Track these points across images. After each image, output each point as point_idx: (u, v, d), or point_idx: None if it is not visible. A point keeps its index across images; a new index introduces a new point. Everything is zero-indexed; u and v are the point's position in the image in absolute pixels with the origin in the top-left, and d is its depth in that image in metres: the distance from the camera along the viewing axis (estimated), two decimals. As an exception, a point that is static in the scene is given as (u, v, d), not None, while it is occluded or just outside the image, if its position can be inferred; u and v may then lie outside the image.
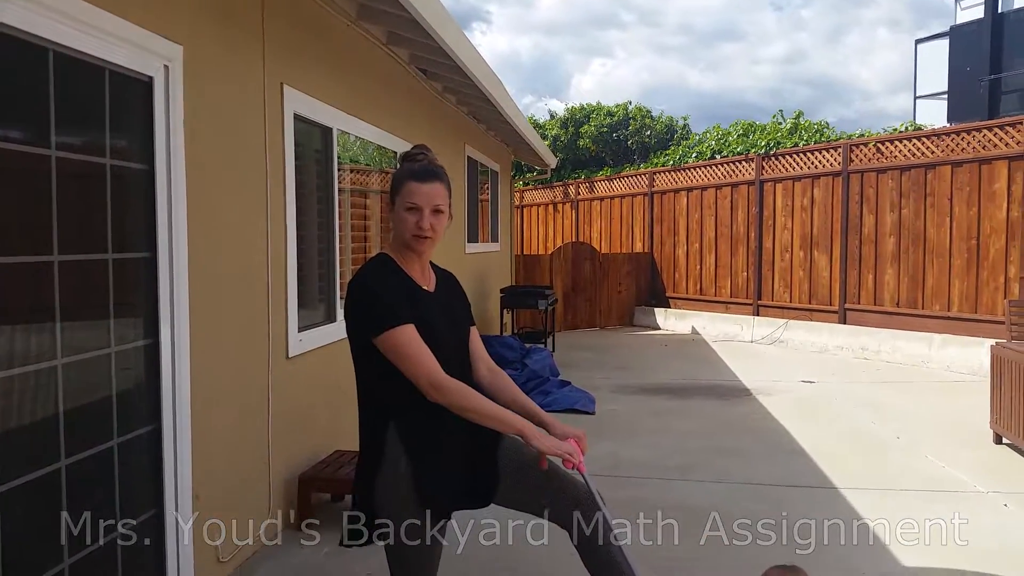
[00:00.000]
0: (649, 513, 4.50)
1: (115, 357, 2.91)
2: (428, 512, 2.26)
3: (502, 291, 11.08)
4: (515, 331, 11.77)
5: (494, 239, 11.60)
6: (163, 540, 3.21)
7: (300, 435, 4.50)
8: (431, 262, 2.50)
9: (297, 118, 4.49)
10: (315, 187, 4.90)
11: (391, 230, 2.42)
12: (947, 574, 3.67)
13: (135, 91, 3.03)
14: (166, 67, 3.15)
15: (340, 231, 5.21)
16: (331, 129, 5.03)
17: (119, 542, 2.93)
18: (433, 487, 2.26)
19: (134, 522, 3.03)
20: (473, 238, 9.96)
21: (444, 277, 2.54)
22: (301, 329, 4.53)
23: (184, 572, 3.29)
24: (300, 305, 4.53)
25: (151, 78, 3.09)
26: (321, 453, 4.74)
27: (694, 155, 14.12)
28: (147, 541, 3.13)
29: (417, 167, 2.33)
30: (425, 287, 2.39)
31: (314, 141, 4.88)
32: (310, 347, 4.62)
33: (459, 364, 2.41)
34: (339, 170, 5.19)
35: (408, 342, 2.19)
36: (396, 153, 6.24)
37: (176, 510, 3.25)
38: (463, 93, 7.93)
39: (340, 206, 5.22)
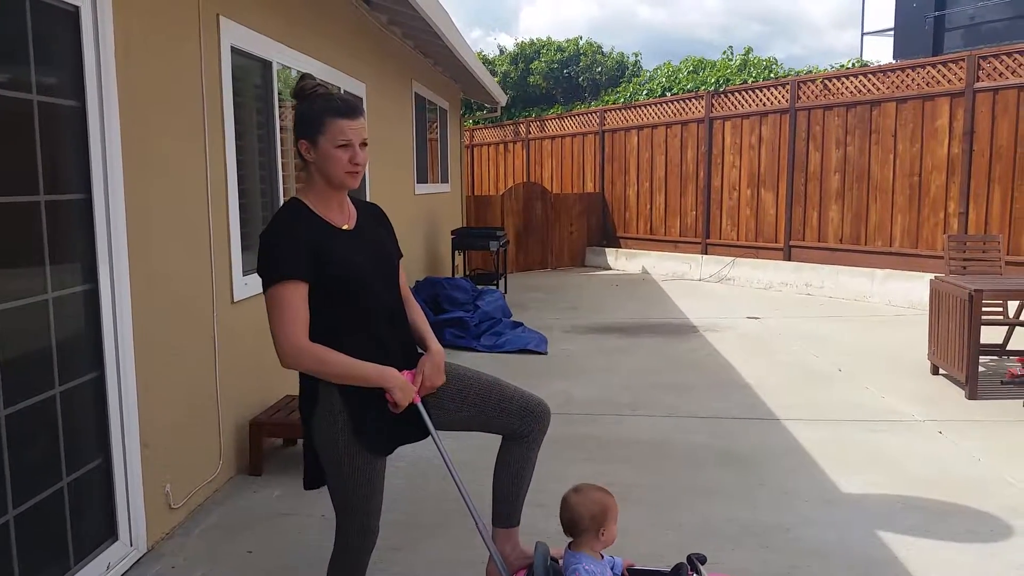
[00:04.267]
0: (601, 448, 4.58)
1: (53, 303, 2.80)
2: (364, 448, 2.26)
3: (453, 232, 11.00)
4: (467, 273, 11.74)
5: (444, 180, 11.45)
6: (112, 489, 3.16)
7: (249, 380, 4.44)
8: (349, 196, 2.44)
9: (235, 51, 4.31)
10: (256, 124, 4.73)
11: (305, 172, 2.33)
12: (885, 499, 3.83)
13: (61, 22, 2.86)
14: (92, -4, 2.97)
15: (283, 171, 5.07)
16: (271, 63, 4.84)
17: (66, 492, 2.87)
18: (369, 424, 2.26)
19: (81, 472, 2.96)
20: (423, 179, 9.82)
21: (367, 210, 2.48)
22: (246, 273, 4.42)
23: (135, 520, 3.25)
24: (244, 248, 4.41)
25: (77, 8, 2.91)
26: (271, 398, 4.69)
27: (645, 93, 14.05)
28: (95, 490, 3.07)
29: (340, 103, 2.26)
30: (345, 226, 2.33)
31: (253, 76, 4.70)
32: (256, 291, 4.51)
33: (389, 298, 2.38)
34: (280, 107, 5.02)
35: (285, 300, 2.15)
36: (339, 89, 6.06)
37: (124, 458, 3.19)
38: (409, 26, 7.70)
39: (282, 144, 5.06)
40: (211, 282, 4.00)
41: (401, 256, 2.55)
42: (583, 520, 2.36)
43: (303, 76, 2.34)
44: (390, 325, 2.37)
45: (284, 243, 2.19)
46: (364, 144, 2.28)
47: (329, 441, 2.24)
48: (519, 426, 2.54)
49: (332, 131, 2.23)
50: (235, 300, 4.26)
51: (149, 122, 3.41)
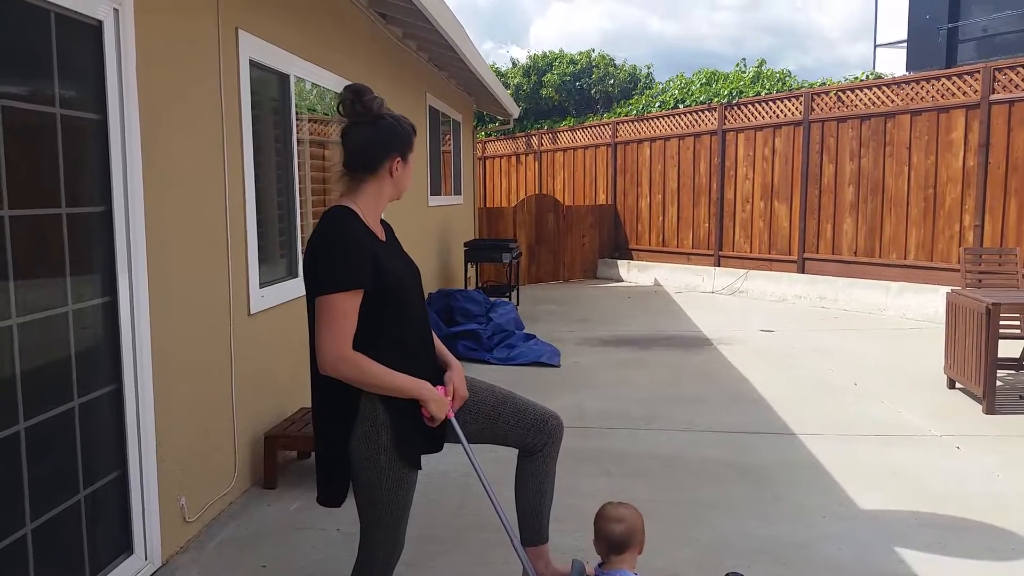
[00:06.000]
0: (615, 462, 4.56)
1: (72, 316, 2.82)
2: (404, 461, 2.26)
3: (466, 245, 11.01)
4: (479, 285, 11.74)
5: (457, 192, 11.48)
6: (128, 501, 3.16)
7: (264, 393, 4.45)
8: None
9: (253, 64, 4.34)
10: (273, 137, 4.76)
11: (355, 183, 2.34)
12: (902, 515, 3.79)
13: (84, 36, 2.89)
14: (115, 11, 3.00)
15: (300, 183, 5.10)
16: (288, 76, 4.88)
17: (83, 505, 2.88)
18: (408, 435, 2.27)
19: (98, 484, 2.97)
20: (436, 191, 9.85)
21: (385, 226, 2.52)
22: (263, 285, 4.44)
23: (150, 533, 3.25)
24: (261, 260, 4.43)
25: (100, 22, 2.94)
26: (286, 410, 4.70)
27: (657, 105, 14.06)
28: (112, 503, 3.08)
29: (411, 125, 2.39)
30: (381, 238, 2.36)
31: (271, 89, 4.73)
32: (272, 304, 4.54)
33: (421, 310, 2.41)
34: (297, 119, 5.05)
35: (340, 309, 2.14)
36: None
37: (140, 471, 3.20)
38: (424, 39, 7.74)
39: (299, 157, 5.09)
40: (228, 295, 4.01)
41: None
42: (637, 532, 2.35)
43: (363, 89, 2.29)
44: (421, 337, 2.38)
45: (345, 251, 2.17)
46: None
47: (370, 456, 2.23)
48: (532, 439, 2.55)
49: (414, 150, 2.40)
50: (252, 313, 4.28)
51: (169, 135, 3.44)
